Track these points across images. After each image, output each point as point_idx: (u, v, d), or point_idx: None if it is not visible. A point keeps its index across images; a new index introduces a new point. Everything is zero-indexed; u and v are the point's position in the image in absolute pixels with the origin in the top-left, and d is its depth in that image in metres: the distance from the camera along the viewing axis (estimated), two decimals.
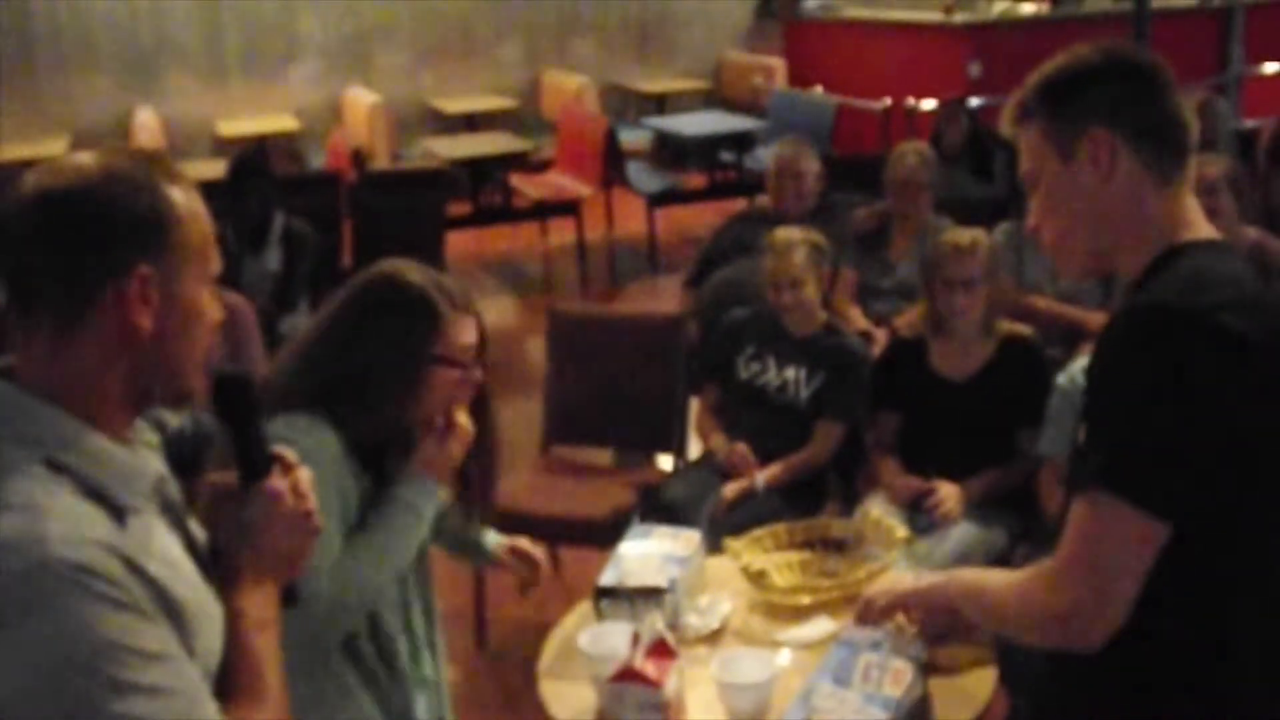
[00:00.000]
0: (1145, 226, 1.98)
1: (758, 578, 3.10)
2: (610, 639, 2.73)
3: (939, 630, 2.53)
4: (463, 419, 2.59)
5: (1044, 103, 2.03)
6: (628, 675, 2.51)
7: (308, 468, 1.87)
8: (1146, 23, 9.00)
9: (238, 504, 1.77)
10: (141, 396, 1.68)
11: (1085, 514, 1.86)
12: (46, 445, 1.56)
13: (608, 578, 3.04)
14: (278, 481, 1.78)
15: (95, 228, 1.58)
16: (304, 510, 1.80)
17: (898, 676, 2.50)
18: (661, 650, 2.50)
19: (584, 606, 3.12)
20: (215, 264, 1.72)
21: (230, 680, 1.70)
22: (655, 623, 2.63)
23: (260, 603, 1.76)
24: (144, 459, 1.69)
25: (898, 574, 2.49)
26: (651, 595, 2.97)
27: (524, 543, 3.10)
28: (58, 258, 1.58)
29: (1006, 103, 2.11)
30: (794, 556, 3.29)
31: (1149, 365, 1.81)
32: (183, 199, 1.65)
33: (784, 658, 2.76)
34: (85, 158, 1.63)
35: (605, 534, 4.13)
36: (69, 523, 1.51)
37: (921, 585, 2.49)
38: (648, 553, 3.14)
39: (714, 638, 2.94)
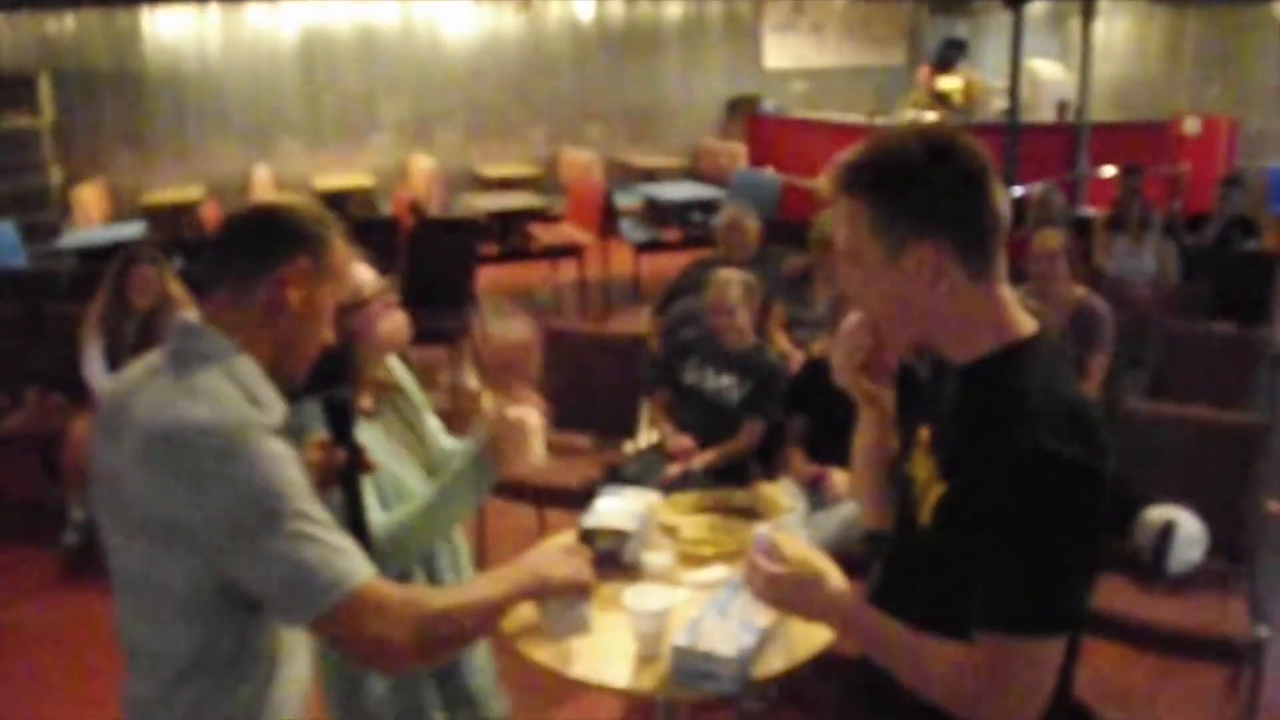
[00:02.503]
0: (965, 323, 1.63)
1: (671, 531, 3.06)
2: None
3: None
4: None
5: (870, 190, 1.60)
6: None
7: None
8: (1018, 132, 9.00)
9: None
10: (273, 363, 1.77)
11: (1001, 653, 1.55)
12: (227, 363, 1.70)
13: (588, 521, 2.99)
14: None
15: (280, 229, 1.78)
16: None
17: (767, 610, 2.44)
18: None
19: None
20: (346, 292, 1.88)
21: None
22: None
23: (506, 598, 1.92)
24: (280, 401, 1.77)
25: (802, 541, 2.19)
26: (619, 536, 2.93)
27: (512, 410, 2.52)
28: (253, 241, 1.78)
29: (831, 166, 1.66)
30: (703, 518, 3.24)
31: (1050, 513, 1.52)
32: (339, 243, 1.84)
33: (682, 594, 2.69)
34: (290, 198, 1.87)
35: (577, 499, 4.12)
36: (246, 410, 1.66)
37: (814, 598, 1.79)
38: (617, 505, 3.10)
39: (631, 575, 2.87)
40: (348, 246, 1.87)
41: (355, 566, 1.67)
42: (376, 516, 2.19)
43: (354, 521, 1.94)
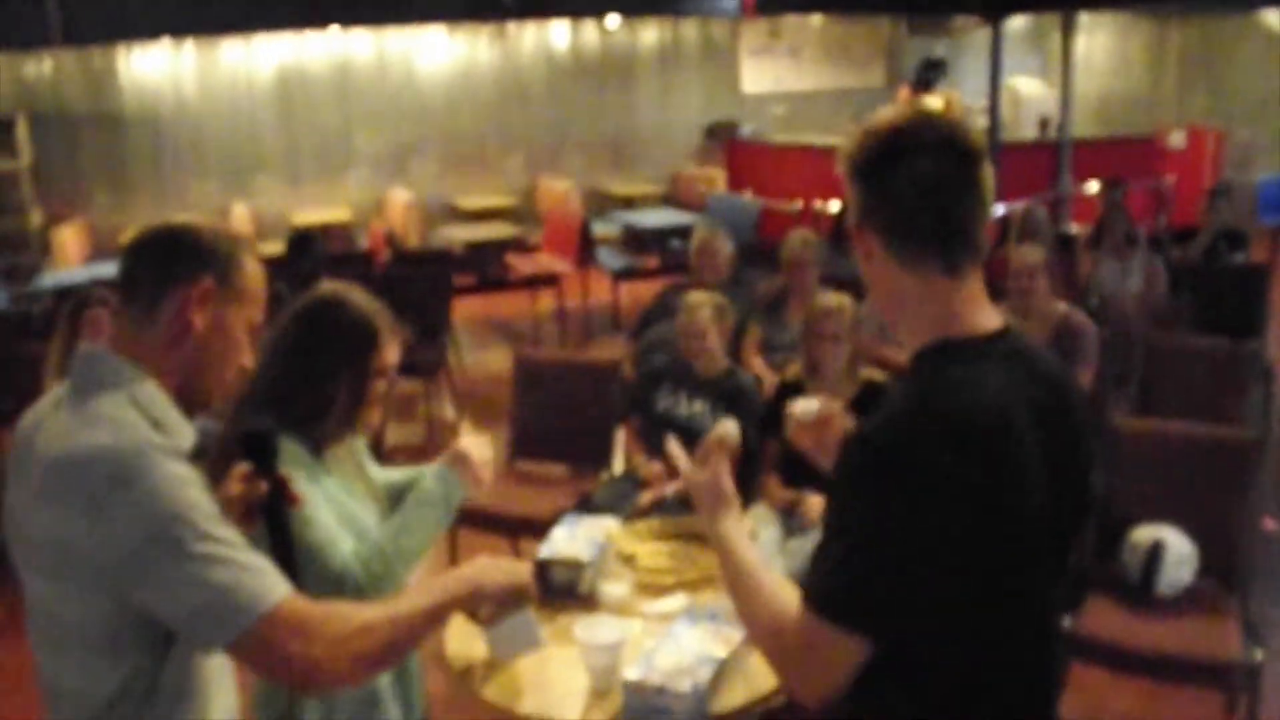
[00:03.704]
0: (908, 312, 1.62)
1: (629, 560, 2.94)
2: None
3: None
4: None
5: (847, 178, 1.65)
6: None
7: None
8: (998, 150, 8.94)
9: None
10: (182, 387, 1.72)
11: (802, 625, 1.53)
12: (128, 389, 1.65)
13: (544, 552, 2.94)
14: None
15: (183, 248, 1.72)
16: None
17: (727, 641, 2.36)
18: None
19: None
20: (257, 316, 1.80)
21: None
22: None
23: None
24: (188, 426, 1.72)
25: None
26: (574, 566, 2.85)
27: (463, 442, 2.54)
28: (155, 262, 1.72)
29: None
30: (664, 545, 3.12)
31: (858, 499, 1.50)
32: (250, 263, 1.78)
33: (636, 626, 2.59)
34: (196, 218, 1.80)
35: (549, 529, 3.95)
36: (147, 434, 1.60)
37: (715, 512, 1.84)
38: (574, 534, 3.03)
39: (588, 606, 2.77)
40: (257, 264, 1.79)
41: (269, 585, 1.60)
42: (345, 547, 2.17)
43: (282, 556, 1.84)
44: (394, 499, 2.53)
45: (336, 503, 2.26)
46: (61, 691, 1.68)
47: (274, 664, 1.62)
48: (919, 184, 1.56)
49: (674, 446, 1.95)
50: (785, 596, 1.61)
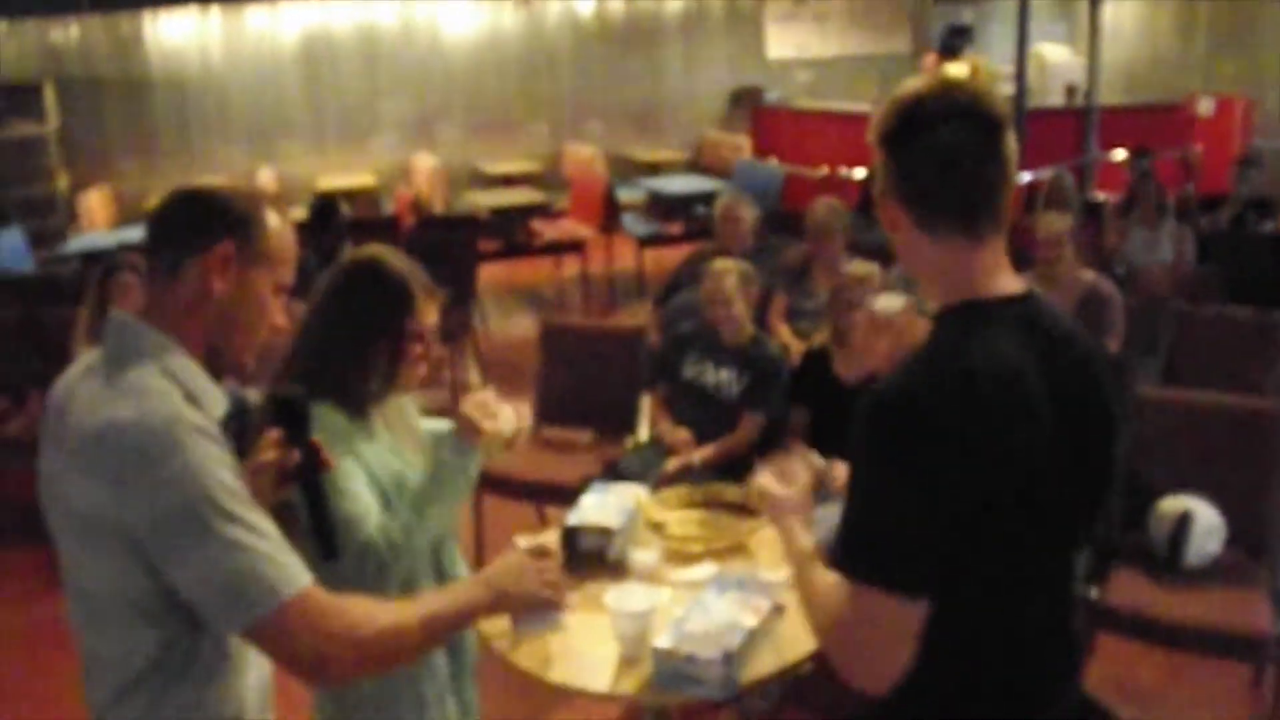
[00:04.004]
0: (933, 279, 1.66)
1: (658, 528, 2.93)
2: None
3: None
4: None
5: (876, 146, 1.66)
6: None
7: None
8: (1024, 117, 8.83)
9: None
10: (211, 351, 1.71)
11: (847, 600, 1.53)
12: (160, 359, 1.64)
13: (573, 518, 2.92)
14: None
15: (204, 211, 1.70)
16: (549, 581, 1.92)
17: (756, 610, 2.35)
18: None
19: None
20: (286, 277, 1.77)
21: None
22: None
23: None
24: (219, 391, 1.72)
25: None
26: (603, 533, 2.83)
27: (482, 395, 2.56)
28: (177, 226, 1.70)
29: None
30: (693, 514, 3.11)
31: (876, 457, 1.52)
32: (275, 221, 1.75)
33: (666, 594, 2.58)
34: (217, 181, 1.79)
35: (574, 496, 3.94)
36: (180, 409, 1.59)
37: (790, 525, 1.82)
38: (604, 502, 3.00)
39: (617, 574, 2.76)
40: (284, 222, 1.77)
41: (289, 575, 1.59)
42: (374, 519, 2.16)
43: (317, 522, 1.85)
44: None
45: (382, 467, 2.26)
46: (97, 659, 1.69)
47: (285, 654, 1.62)
48: (940, 154, 1.58)
49: (766, 479, 1.93)
50: (835, 592, 1.58)
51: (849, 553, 1.54)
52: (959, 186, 1.60)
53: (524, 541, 2.09)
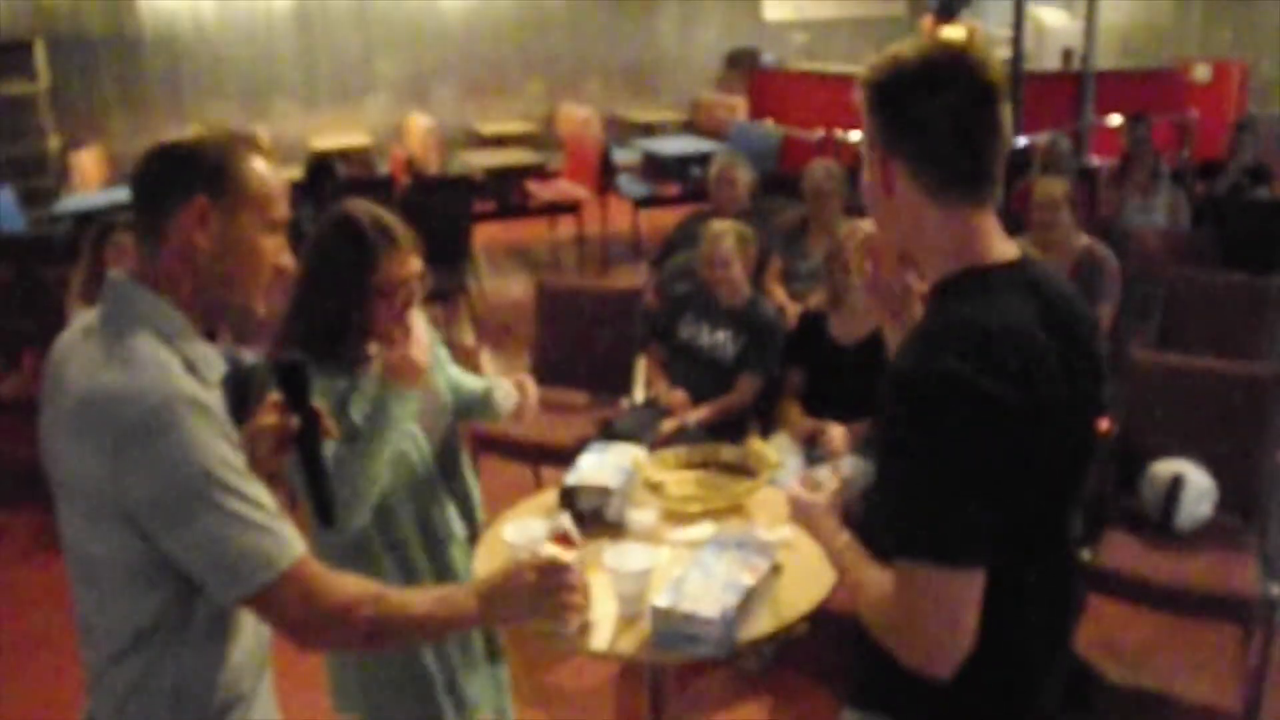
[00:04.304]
0: (930, 243, 1.63)
1: (656, 488, 2.94)
2: (530, 530, 2.60)
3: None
4: (415, 326, 2.35)
5: (866, 107, 1.63)
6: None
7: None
8: (1020, 81, 8.78)
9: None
10: (208, 308, 1.69)
11: (907, 582, 1.51)
12: (157, 323, 1.63)
13: (571, 478, 2.92)
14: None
15: (176, 167, 1.65)
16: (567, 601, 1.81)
17: (754, 570, 2.36)
18: (564, 540, 2.28)
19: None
20: (278, 212, 1.71)
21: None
22: (563, 519, 2.47)
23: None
24: (216, 354, 1.70)
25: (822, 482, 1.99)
26: (602, 493, 2.83)
27: (521, 376, 2.95)
28: (152, 186, 1.66)
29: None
30: (690, 474, 3.12)
31: (927, 432, 1.48)
32: (256, 164, 1.69)
33: (665, 553, 2.59)
34: (187, 133, 1.71)
35: (571, 456, 3.95)
36: (179, 379, 1.57)
37: (825, 527, 1.81)
38: (603, 461, 3.01)
39: (616, 533, 2.76)
40: (266, 162, 1.71)
41: (283, 549, 1.61)
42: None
43: (315, 490, 1.84)
44: (462, 411, 2.67)
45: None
46: (94, 621, 1.69)
47: (276, 620, 1.66)
48: (952, 117, 1.56)
49: (794, 489, 1.90)
50: (885, 576, 1.56)
51: (905, 535, 1.51)
52: (970, 150, 1.58)
53: (544, 549, 2.01)
